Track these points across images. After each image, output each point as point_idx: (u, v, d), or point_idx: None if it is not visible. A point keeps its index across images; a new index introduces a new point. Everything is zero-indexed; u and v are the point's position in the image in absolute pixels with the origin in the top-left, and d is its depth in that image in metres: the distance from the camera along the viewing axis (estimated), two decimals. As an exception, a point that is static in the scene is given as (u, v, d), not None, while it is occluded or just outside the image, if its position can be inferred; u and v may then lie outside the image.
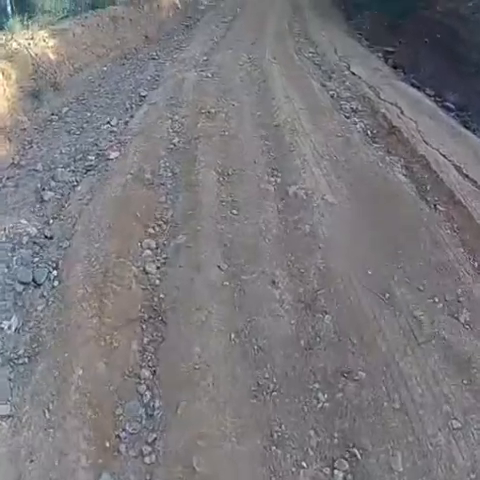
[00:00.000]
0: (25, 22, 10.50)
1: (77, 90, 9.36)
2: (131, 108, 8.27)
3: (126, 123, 7.65)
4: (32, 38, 9.38)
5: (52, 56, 9.38)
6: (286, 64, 10.07)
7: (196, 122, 7.26)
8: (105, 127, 7.64)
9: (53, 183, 6.27)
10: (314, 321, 4.26)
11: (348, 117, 7.71)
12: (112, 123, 7.73)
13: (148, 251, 4.92)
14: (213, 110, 7.56)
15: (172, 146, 6.67)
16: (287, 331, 4.18)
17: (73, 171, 6.54)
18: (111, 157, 6.60)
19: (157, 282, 4.60)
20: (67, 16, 11.91)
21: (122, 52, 11.55)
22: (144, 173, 6.08)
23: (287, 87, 8.62)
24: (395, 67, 10.79)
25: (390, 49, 11.78)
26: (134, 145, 6.77)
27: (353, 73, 9.70)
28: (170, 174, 6.07)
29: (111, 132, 7.45)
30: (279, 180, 5.82)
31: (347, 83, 9.07)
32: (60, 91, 9.15)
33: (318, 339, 4.16)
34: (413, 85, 9.66)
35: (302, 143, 6.59)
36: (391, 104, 8.20)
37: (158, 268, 4.75)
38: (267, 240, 4.92)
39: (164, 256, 4.86)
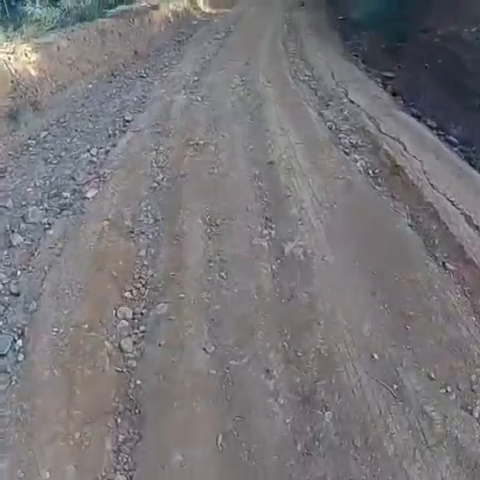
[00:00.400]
0: (8, 33, 9.71)
1: (59, 111, 8.61)
2: (114, 135, 7.51)
3: (107, 153, 6.90)
4: (13, 52, 8.54)
5: (34, 72, 8.61)
6: (281, 88, 9.36)
7: (183, 155, 6.53)
8: (85, 156, 6.89)
9: (23, 225, 5.55)
10: (313, 419, 3.55)
11: (348, 153, 6.98)
12: (92, 152, 6.97)
13: (124, 322, 4.18)
14: (202, 142, 6.83)
15: (155, 185, 5.93)
16: (282, 433, 3.49)
17: (46, 210, 5.80)
18: (88, 195, 5.86)
19: (134, 364, 3.87)
20: (54, 27, 11.14)
21: (109, 68, 10.79)
22: (123, 219, 5.33)
23: (282, 116, 7.90)
24: (394, 94, 10.00)
25: (389, 74, 11.04)
26: (114, 181, 6.03)
27: (351, 101, 8.99)
28: (152, 221, 5.31)
29: (90, 163, 6.72)
30: (274, 233, 5.08)
31: (345, 112, 8.35)
32: (40, 111, 8.39)
33: (317, 442, 3.46)
34: (414, 115, 8.90)
35: (299, 186, 5.86)
36: (393, 139, 7.49)
37: (135, 344, 4.02)
38: (260, 313, 4.18)
39: (142, 329, 4.12)
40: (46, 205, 5.87)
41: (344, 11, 17.16)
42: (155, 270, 4.71)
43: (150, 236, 5.13)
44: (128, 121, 7.91)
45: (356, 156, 6.97)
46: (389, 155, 6.95)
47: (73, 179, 6.37)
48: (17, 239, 5.34)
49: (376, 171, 6.67)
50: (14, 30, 10.29)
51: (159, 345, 3.99)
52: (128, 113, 8.18)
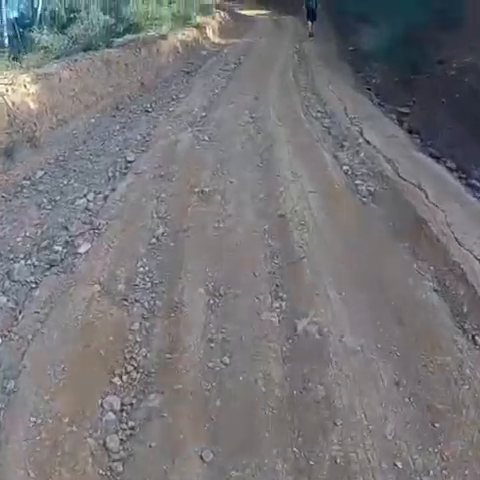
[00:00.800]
0: (8, 62, 9.23)
1: (58, 148, 8.08)
2: (114, 177, 6.98)
3: (105, 198, 6.34)
4: (12, 83, 8.02)
5: (33, 105, 8.10)
6: (292, 127, 8.86)
7: (186, 205, 5.96)
8: (81, 202, 6.34)
9: (8, 283, 4.97)
10: None
11: (366, 203, 6.43)
12: (89, 197, 6.42)
13: (111, 414, 3.56)
14: (207, 189, 6.27)
15: (154, 241, 5.34)
16: None
17: (34, 266, 5.22)
18: (80, 251, 5.28)
19: (119, 467, 3.24)
20: (59, 56, 10.69)
21: (114, 101, 10.30)
22: (116, 282, 4.73)
23: (294, 159, 7.36)
24: (410, 131, 9.43)
25: (404, 110, 10.46)
26: (109, 235, 5.44)
27: (367, 141, 8.44)
28: (149, 285, 4.71)
29: (86, 210, 6.16)
30: (285, 306, 4.45)
31: (362, 155, 7.79)
32: (38, 148, 7.87)
33: None
34: (432, 155, 8.27)
35: (314, 245, 5.25)
36: (413, 185, 6.86)
37: (122, 443, 3.40)
38: (267, 410, 3.55)
39: (131, 425, 3.50)
40: (34, 259, 5.29)
41: (354, 42, 16.76)
42: (149, 349, 4.09)
43: (145, 305, 4.51)
44: (130, 162, 7.38)
45: (375, 206, 6.40)
46: (410, 205, 6.34)
47: (66, 229, 5.80)
48: (0, 301, 4.75)
49: (397, 224, 6.05)
50: (16, 59, 9.87)
51: (149, 447, 3.37)
52: (130, 153, 7.64)
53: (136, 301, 4.56)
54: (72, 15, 14.15)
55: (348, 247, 5.41)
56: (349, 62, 15.15)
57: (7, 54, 11.38)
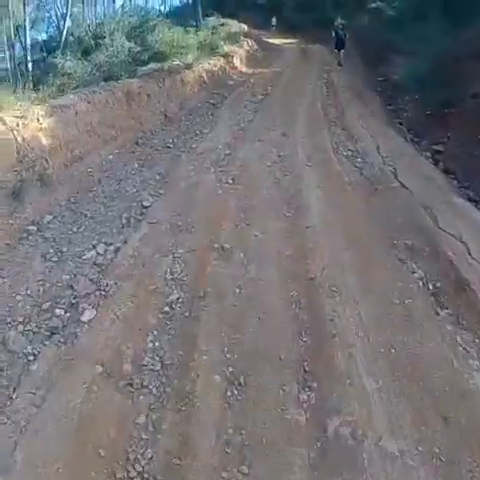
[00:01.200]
0: (19, 93, 8.78)
1: (70, 188, 7.56)
2: (128, 225, 6.42)
3: (116, 252, 5.76)
4: (22, 116, 7.52)
5: (45, 140, 7.59)
6: (322, 168, 8.24)
7: (205, 264, 5.33)
8: (89, 255, 5.77)
9: (2, 354, 4.41)
10: None
11: (403, 261, 5.72)
12: (99, 250, 5.85)
13: None
14: (228, 245, 5.63)
15: (167, 309, 4.71)
16: None
17: (33, 333, 4.68)
18: (84, 319, 4.72)
19: None
20: (77, 86, 10.28)
21: (134, 135, 9.78)
22: (122, 360, 4.11)
23: (325, 207, 6.72)
24: (446, 171, 8.75)
25: (439, 148, 9.75)
26: (117, 300, 4.85)
27: (402, 184, 7.76)
28: (158, 366, 4.08)
29: (94, 266, 5.59)
30: (314, 398, 3.77)
31: (397, 201, 7.11)
32: (49, 188, 7.35)
33: None
34: (471, 199, 7.59)
35: (347, 319, 4.59)
36: (454, 237, 6.17)
37: None
38: None
39: None
40: (34, 325, 4.75)
41: (383, 72, 16.24)
42: (155, 451, 3.45)
43: (154, 391, 3.87)
44: (146, 207, 6.82)
45: (413, 265, 5.70)
46: (451, 262, 5.65)
47: (71, 288, 5.25)
48: (-7, 375, 4.17)
49: (438, 285, 5.38)
50: (36, 85, 9.49)
51: None
52: (147, 196, 7.10)
53: (143, 387, 3.92)
54: (97, 41, 13.94)
55: (384, 320, 4.72)
56: (379, 94, 14.61)
57: (25, 82, 11.14)
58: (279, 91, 14.22)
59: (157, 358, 4.19)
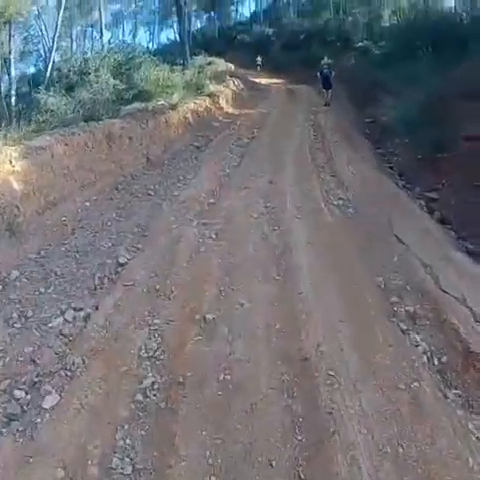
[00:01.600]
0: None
1: (42, 238, 6.96)
2: (101, 287, 5.80)
3: (86, 320, 5.11)
4: (-5, 159, 6.91)
5: (17, 185, 7.03)
6: (312, 221, 7.71)
7: (185, 339, 4.71)
8: (56, 323, 5.12)
9: None
10: None
11: (406, 332, 5.19)
12: (67, 316, 5.19)
13: None
14: (211, 316, 5.01)
15: (141, 397, 4.04)
16: None
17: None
18: (46, 405, 4.09)
19: None
20: (56, 126, 9.72)
21: (114, 180, 9.20)
22: (87, 462, 3.42)
23: (318, 269, 6.13)
24: (442, 221, 8.24)
25: (433, 195, 9.25)
26: (84, 383, 4.19)
27: (399, 239, 7.25)
28: (129, 470, 3.48)
29: (61, 336, 4.93)
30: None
31: (395, 259, 6.61)
32: (18, 238, 6.76)
33: None
34: (470, 252, 7.03)
35: (347, 411, 3.98)
36: (457, 301, 5.60)
37: None
38: None
39: None
40: (-12, 412, 3.95)
41: (371, 113, 16.00)
42: None
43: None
44: (121, 265, 6.20)
45: (416, 336, 5.15)
46: (457, 332, 5.08)
47: (34, 362, 4.57)
48: None
49: (443, 360, 4.81)
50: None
51: None
52: (124, 251, 6.50)
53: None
54: (82, 77, 13.52)
55: (389, 411, 4.13)
56: (367, 136, 14.24)
57: (7, 117, 10.61)
58: (266, 134, 13.87)
59: (128, 460, 3.51)
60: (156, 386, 4.19)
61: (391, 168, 11.21)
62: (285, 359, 4.55)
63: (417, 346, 5.01)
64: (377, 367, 4.58)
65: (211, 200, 8.48)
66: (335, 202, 8.79)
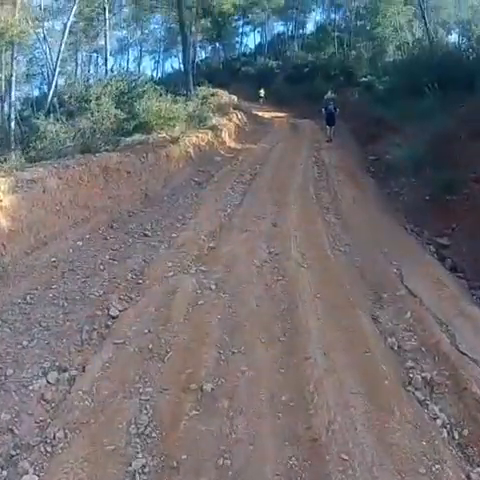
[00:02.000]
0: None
1: (29, 281, 6.57)
2: (89, 343, 5.36)
3: (71, 383, 4.67)
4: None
5: (5, 221, 6.67)
6: (319, 270, 7.30)
7: (180, 414, 4.24)
8: (37, 385, 4.67)
9: None
10: None
11: (423, 402, 4.74)
12: (50, 378, 4.77)
13: None
14: (209, 386, 4.51)
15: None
16: None
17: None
18: None
19: None
20: (51, 157, 9.38)
21: (110, 217, 8.78)
22: None
23: (325, 328, 5.72)
24: (454, 269, 7.88)
25: (443, 241, 8.91)
26: (66, 462, 3.82)
27: (410, 291, 6.82)
28: None
29: (43, 402, 4.47)
30: None
31: (407, 315, 6.20)
32: (4, 281, 6.36)
33: None
34: None
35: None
36: (476, 364, 5.18)
37: None
38: None
39: None
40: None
41: (375, 150, 15.79)
42: None
43: None
44: (113, 317, 5.77)
45: (435, 407, 4.71)
46: (477, 401, 4.63)
47: (11, 432, 4.11)
48: None
49: (464, 434, 4.40)
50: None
51: None
52: (116, 302, 6.09)
53: None
54: (83, 104, 13.29)
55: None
56: (372, 174, 13.96)
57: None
58: (268, 170, 13.60)
59: None
60: (147, 469, 3.68)
61: (397, 209, 10.81)
62: (292, 439, 4.05)
63: (436, 419, 4.57)
64: (395, 449, 4.11)
65: (211, 244, 8.08)
66: (341, 248, 8.40)
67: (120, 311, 5.91)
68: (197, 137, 14.38)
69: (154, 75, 41.81)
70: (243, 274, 6.94)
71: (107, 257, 7.39)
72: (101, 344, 5.27)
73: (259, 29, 50.20)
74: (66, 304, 6.09)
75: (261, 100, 32.44)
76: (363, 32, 34.82)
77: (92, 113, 12.43)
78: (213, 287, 6.51)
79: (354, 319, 6.03)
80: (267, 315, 5.93)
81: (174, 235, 8.34)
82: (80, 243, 7.81)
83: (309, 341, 5.44)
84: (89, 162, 9.05)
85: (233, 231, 8.68)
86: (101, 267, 7.05)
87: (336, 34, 37.90)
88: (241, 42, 52.29)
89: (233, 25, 44.77)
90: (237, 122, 20.24)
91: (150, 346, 5.18)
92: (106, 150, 10.36)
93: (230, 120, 19.35)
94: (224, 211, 9.77)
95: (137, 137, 12.64)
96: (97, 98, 12.91)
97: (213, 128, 16.27)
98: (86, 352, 5.17)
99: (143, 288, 6.46)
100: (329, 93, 23.99)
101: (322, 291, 6.63)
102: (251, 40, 55.63)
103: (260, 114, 26.09)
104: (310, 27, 46.95)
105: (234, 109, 21.89)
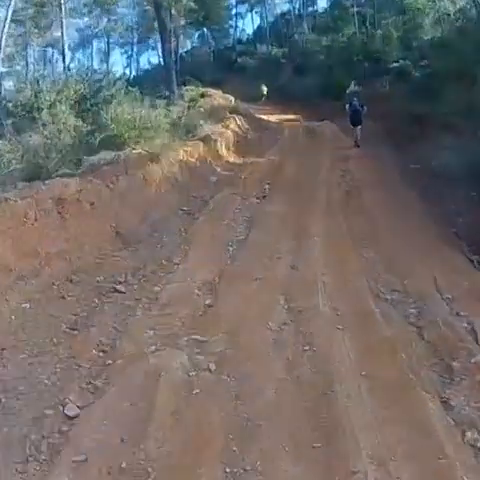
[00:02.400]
0: None
1: None
2: (35, 460, 4.74)
3: None
4: None
5: None
6: (361, 331, 6.81)
7: None
8: None
9: None
10: None
11: None
12: None
13: None
14: None
15: None
16: None
17: None
18: None
19: None
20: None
21: (68, 266, 8.42)
22: None
23: (379, 424, 5.15)
24: None
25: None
26: None
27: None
28: None
29: None
30: None
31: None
32: None
33: None
34: None
35: None
36: None
37: None
38: None
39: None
40: None
41: (417, 156, 16.01)
42: None
43: None
44: (71, 419, 5.21)
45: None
46: None
47: None
48: None
49: None
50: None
51: None
52: (74, 394, 5.49)
53: None
54: (33, 115, 13.02)
55: None
56: (416, 189, 13.74)
57: None
58: (281, 192, 13.43)
59: None
60: None
61: (457, 235, 10.75)
62: None
63: None
64: None
65: (208, 300, 7.60)
66: (388, 296, 8.05)
67: (80, 408, 5.31)
68: (185, 152, 14.13)
69: (127, 73, 42.04)
70: (254, 345, 6.45)
71: (64, 326, 6.89)
72: (52, 462, 4.65)
73: (258, 9, 50.64)
74: (4, 400, 5.48)
75: (263, 98, 32.64)
76: (390, 4, 35.07)
77: (44, 125, 12.15)
78: (212, 367, 5.97)
79: (418, 406, 5.47)
80: (291, 408, 5.35)
81: (157, 289, 7.90)
82: (27, 306, 7.32)
83: (357, 446, 4.81)
84: (37, 194, 8.55)
85: (238, 280, 8.24)
86: (55, 341, 6.54)
87: (356, 9, 38.23)
88: (236, 26, 52.96)
89: (225, 3, 44.99)
90: (236, 129, 20.18)
91: (123, 464, 4.56)
92: (64, 174, 9.89)
93: (227, 127, 19.27)
94: (224, 251, 9.46)
95: (104, 155, 12.25)
96: (50, 106, 12.68)
97: (205, 139, 16.09)
98: (31, 477, 4.54)
99: (113, 371, 5.91)
100: (352, 85, 24.01)
101: (368, 365, 6.13)
102: (248, 23, 56.06)
103: (265, 117, 26.37)
104: (322, 3, 47.31)
105: (231, 113, 21.96)
